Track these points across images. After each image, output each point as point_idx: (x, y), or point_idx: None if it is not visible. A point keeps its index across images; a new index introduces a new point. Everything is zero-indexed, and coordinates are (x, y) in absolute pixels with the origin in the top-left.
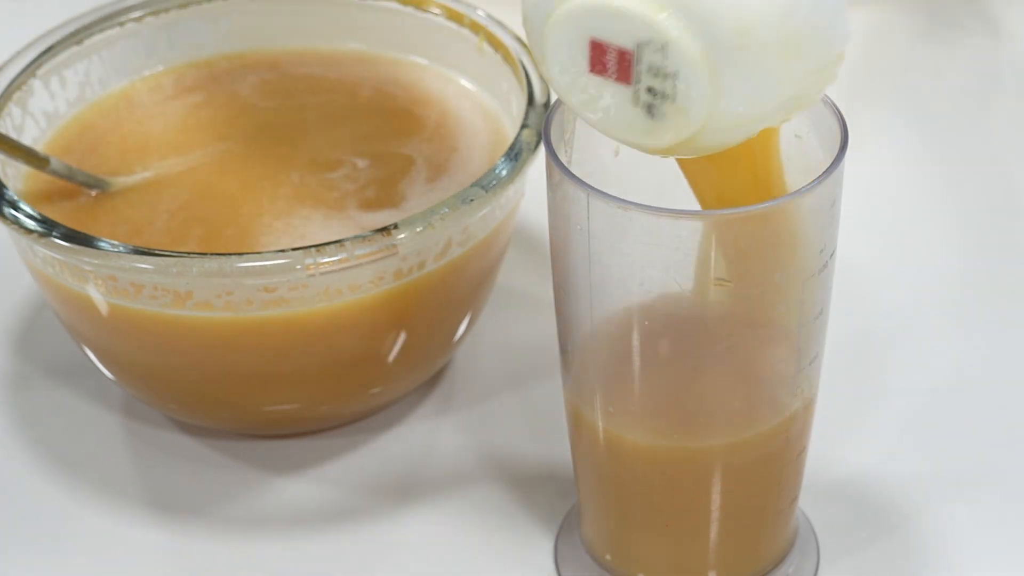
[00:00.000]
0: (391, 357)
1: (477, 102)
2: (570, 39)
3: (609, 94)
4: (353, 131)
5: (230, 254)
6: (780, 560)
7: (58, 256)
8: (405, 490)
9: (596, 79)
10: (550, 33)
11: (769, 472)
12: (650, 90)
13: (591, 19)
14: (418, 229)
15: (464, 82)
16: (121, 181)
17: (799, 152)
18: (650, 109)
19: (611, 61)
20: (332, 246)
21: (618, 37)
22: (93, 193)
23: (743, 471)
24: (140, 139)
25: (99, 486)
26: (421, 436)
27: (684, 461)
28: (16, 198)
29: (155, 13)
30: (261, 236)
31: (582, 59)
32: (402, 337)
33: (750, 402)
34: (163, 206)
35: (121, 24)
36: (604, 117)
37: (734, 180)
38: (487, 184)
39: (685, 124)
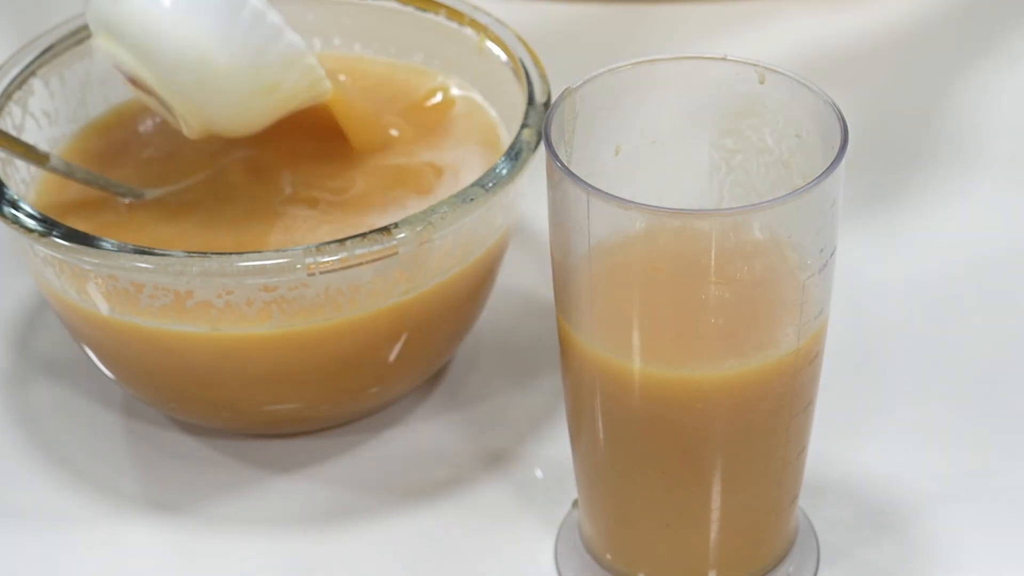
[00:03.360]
0: (391, 357)
1: (477, 102)
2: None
3: (145, 98)
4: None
5: (230, 253)
6: (780, 559)
7: (58, 255)
8: (405, 490)
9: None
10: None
11: (769, 471)
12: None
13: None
14: (418, 228)
15: (464, 82)
16: (134, 188)
17: (799, 152)
18: (170, 111)
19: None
20: (332, 245)
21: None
22: (127, 201)
23: (743, 463)
24: (152, 146)
25: (99, 486)
26: (421, 436)
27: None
28: (16, 197)
29: None
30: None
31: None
32: (402, 337)
33: (750, 337)
34: (189, 216)
35: None
36: (160, 111)
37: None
38: (487, 184)
39: (185, 122)
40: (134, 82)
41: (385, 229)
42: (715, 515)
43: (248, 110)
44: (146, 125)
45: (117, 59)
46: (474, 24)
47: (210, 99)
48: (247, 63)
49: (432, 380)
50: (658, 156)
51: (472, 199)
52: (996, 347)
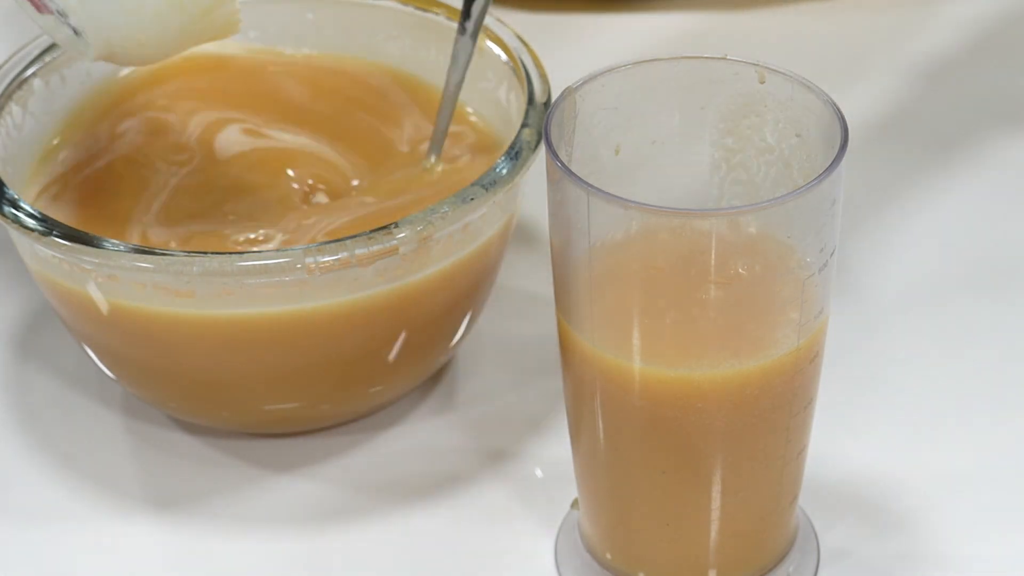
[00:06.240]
0: (391, 356)
1: (477, 101)
2: None
3: (47, 21)
4: (354, 129)
5: (230, 253)
6: (780, 559)
7: (59, 255)
8: (405, 490)
9: (33, 12)
10: None
11: (769, 471)
12: (64, 18)
13: None
14: (418, 228)
15: (464, 81)
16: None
17: (799, 152)
18: (75, 31)
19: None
20: (332, 245)
21: None
22: None
23: (743, 463)
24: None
25: (99, 485)
26: (421, 436)
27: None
28: (16, 197)
29: None
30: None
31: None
32: (402, 336)
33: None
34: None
35: None
36: (61, 38)
37: None
38: (487, 183)
39: (88, 46)
40: (35, 2)
41: (385, 228)
42: (715, 515)
43: (155, 28)
44: (145, 124)
45: None
46: None
47: (115, 9)
48: None
49: (432, 380)
50: (658, 156)
51: (472, 199)
52: (996, 346)
